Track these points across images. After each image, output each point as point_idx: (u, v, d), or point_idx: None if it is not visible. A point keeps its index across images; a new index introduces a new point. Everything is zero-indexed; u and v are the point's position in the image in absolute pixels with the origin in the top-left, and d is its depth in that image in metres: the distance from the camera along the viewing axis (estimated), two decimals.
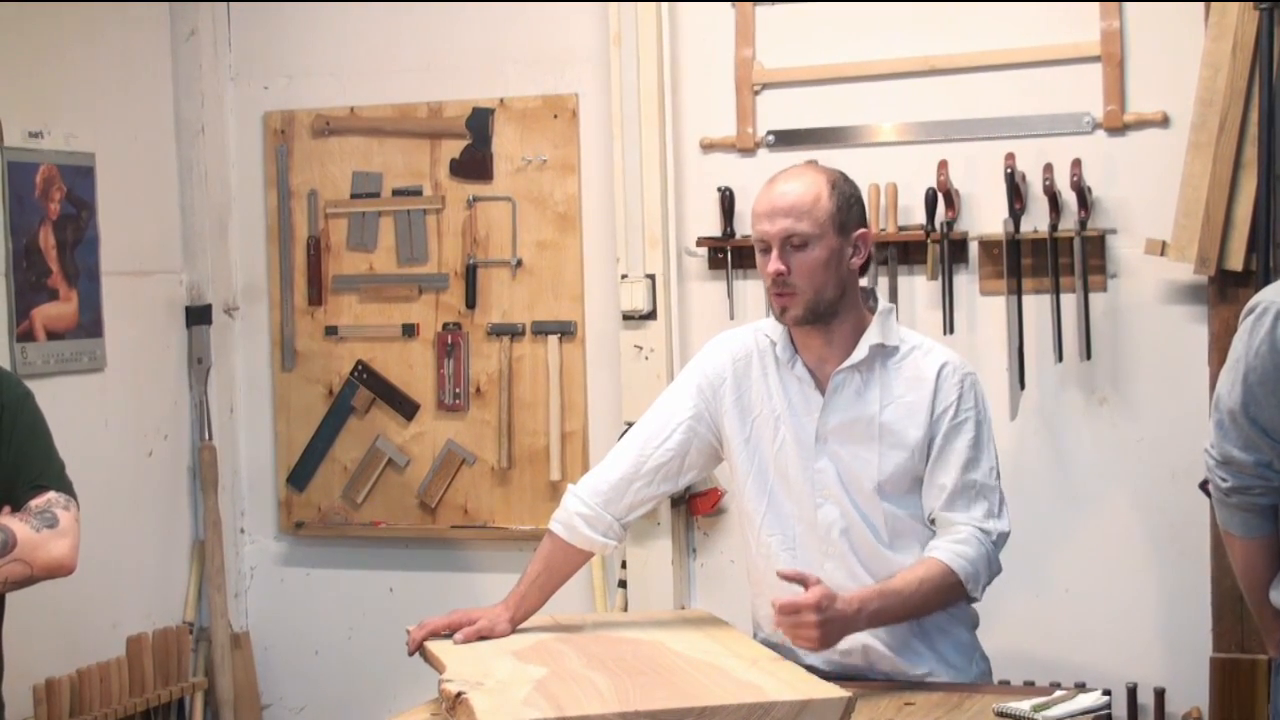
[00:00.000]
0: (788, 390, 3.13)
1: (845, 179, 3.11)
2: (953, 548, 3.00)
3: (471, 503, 4.95)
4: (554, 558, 3.24)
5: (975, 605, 3.20)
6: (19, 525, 3.08)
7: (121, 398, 4.79)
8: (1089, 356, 4.26)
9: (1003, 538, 3.07)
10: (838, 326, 3.07)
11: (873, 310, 3.12)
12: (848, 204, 3.06)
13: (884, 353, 3.09)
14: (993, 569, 3.04)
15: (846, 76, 4.50)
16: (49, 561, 3.11)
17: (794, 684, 2.72)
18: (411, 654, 3.15)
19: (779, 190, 3.05)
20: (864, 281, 3.15)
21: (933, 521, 3.07)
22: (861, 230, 3.08)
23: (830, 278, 3.03)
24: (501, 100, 4.86)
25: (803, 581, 2.87)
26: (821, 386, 3.10)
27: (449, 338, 4.94)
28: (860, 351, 3.07)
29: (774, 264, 3.01)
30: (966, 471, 3.04)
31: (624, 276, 4.64)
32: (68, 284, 4.57)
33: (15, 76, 4.45)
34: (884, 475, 3.06)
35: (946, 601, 3.03)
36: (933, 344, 3.14)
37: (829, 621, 2.84)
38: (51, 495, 3.17)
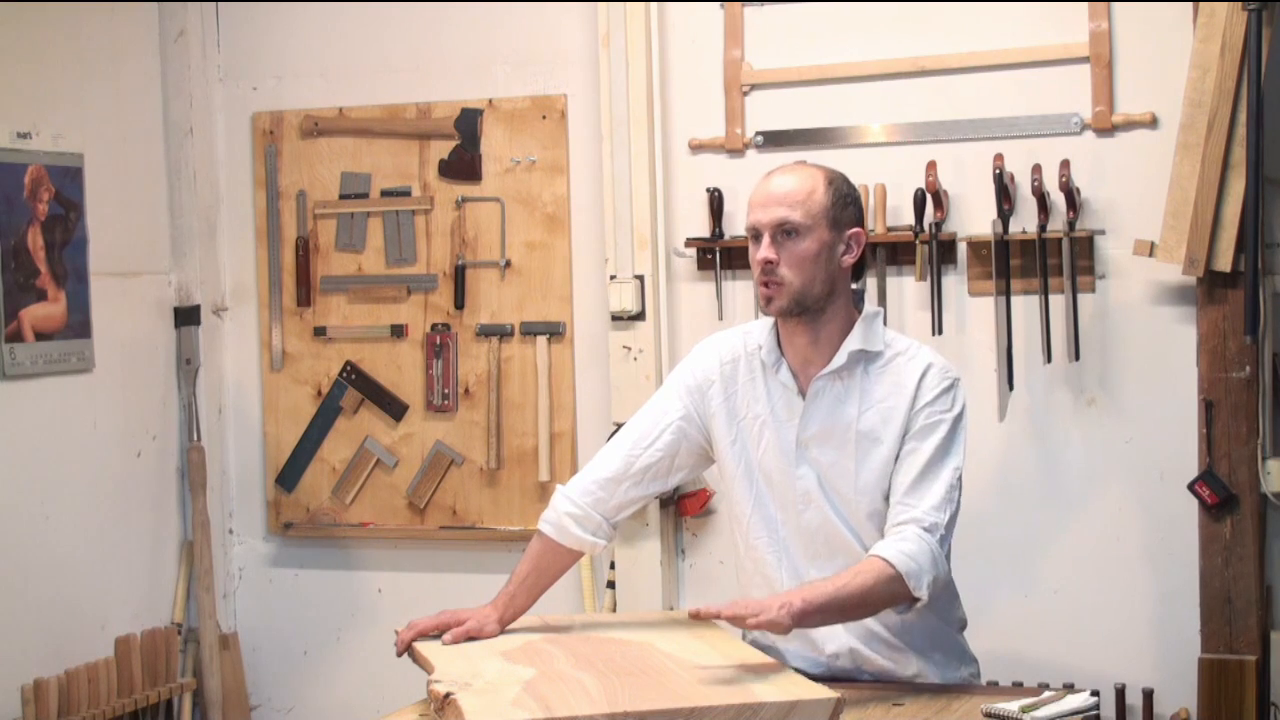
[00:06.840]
0: (771, 396, 3.11)
1: (845, 180, 3.11)
2: (896, 545, 2.92)
3: (460, 503, 4.94)
4: (543, 558, 3.23)
5: (964, 606, 3.21)
6: None
7: (110, 398, 4.79)
8: (1077, 357, 4.26)
9: (938, 527, 2.95)
10: (824, 326, 3.06)
11: (860, 313, 3.10)
12: (843, 201, 3.06)
13: (866, 358, 3.06)
14: (937, 567, 2.94)
15: (835, 77, 4.51)
16: None
17: (782, 685, 2.72)
18: (400, 655, 3.14)
19: (775, 180, 3.06)
20: (854, 285, 3.14)
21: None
22: (856, 229, 3.07)
23: (819, 271, 3.02)
24: (490, 101, 4.86)
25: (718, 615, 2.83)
26: (804, 392, 3.08)
27: (438, 338, 4.93)
28: (840, 358, 3.05)
29: (764, 251, 3.01)
30: (929, 469, 2.99)
31: (613, 277, 4.64)
32: (56, 285, 4.56)
33: (3, 77, 4.44)
34: (862, 481, 3.04)
35: (890, 599, 2.93)
36: (920, 348, 3.10)
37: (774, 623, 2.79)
38: None
